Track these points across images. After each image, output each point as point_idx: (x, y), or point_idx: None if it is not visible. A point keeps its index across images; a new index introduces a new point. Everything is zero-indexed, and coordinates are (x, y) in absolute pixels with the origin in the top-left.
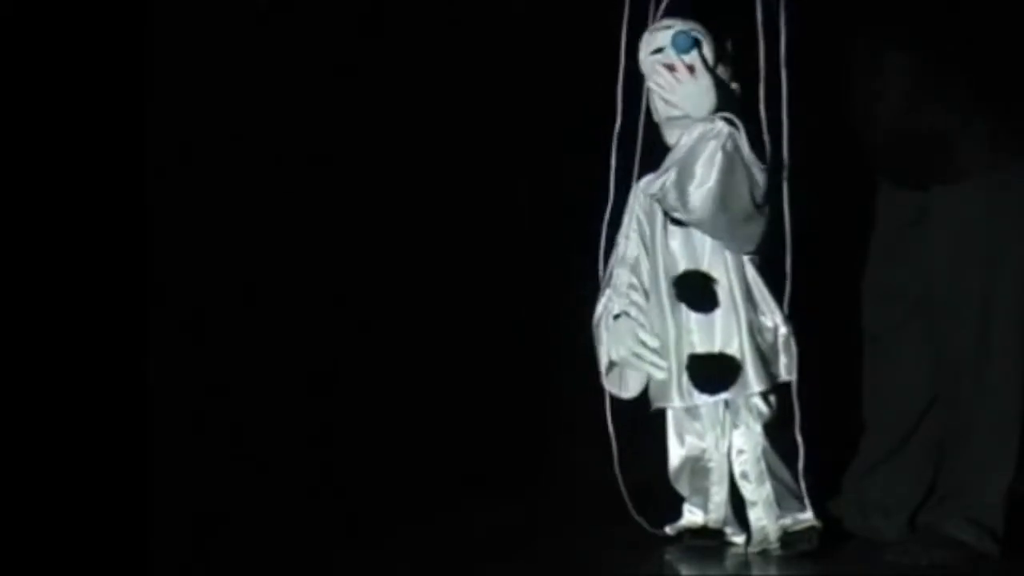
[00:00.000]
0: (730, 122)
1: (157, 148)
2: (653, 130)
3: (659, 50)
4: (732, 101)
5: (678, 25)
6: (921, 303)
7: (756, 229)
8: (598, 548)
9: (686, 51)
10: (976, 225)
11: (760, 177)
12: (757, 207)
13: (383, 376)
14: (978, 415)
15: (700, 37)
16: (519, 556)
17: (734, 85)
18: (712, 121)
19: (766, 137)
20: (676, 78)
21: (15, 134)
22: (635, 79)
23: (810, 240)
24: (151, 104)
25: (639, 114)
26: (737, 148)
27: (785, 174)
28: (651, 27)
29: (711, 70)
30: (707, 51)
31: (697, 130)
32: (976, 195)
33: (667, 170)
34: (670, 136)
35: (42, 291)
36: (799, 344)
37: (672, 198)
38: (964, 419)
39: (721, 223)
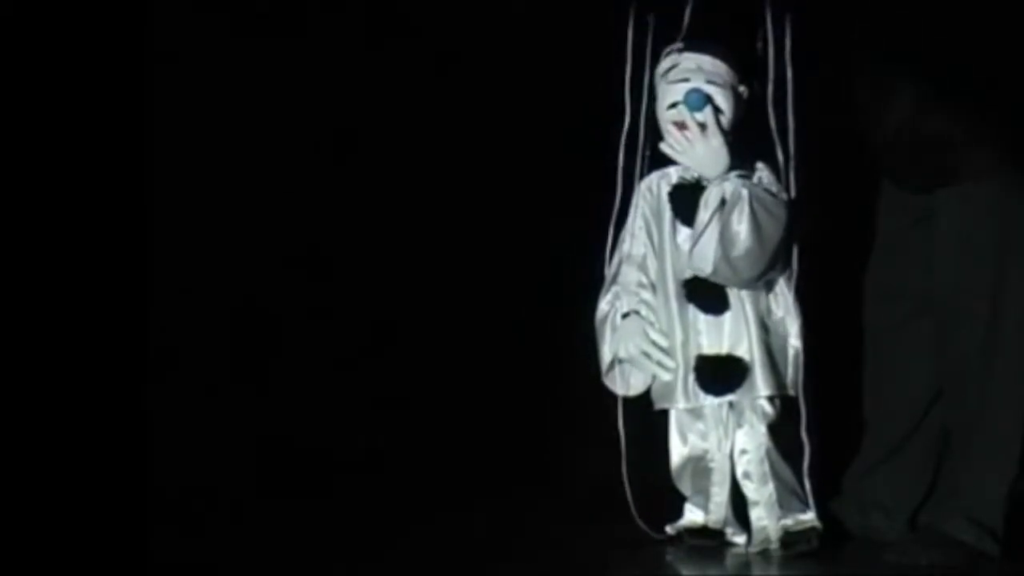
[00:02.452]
0: (744, 176)
1: (158, 148)
2: (657, 129)
3: (674, 105)
4: (745, 157)
5: (693, 79)
6: (924, 302)
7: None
8: (598, 548)
9: (698, 109)
10: (982, 224)
11: (785, 216)
12: (786, 248)
13: (384, 376)
14: (980, 415)
15: (713, 92)
16: (519, 556)
17: (742, 88)
18: (726, 179)
19: (775, 138)
20: (687, 137)
21: (15, 135)
22: (640, 77)
23: (812, 239)
24: (152, 104)
25: (644, 112)
26: (761, 201)
27: (792, 174)
28: (669, 76)
29: (723, 128)
30: (723, 102)
31: (714, 193)
32: (983, 195)
33: (699, 238)
34: None
35: (43, 291)
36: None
37: (724, 272)
38: (966, 418)
39: (762, 273)
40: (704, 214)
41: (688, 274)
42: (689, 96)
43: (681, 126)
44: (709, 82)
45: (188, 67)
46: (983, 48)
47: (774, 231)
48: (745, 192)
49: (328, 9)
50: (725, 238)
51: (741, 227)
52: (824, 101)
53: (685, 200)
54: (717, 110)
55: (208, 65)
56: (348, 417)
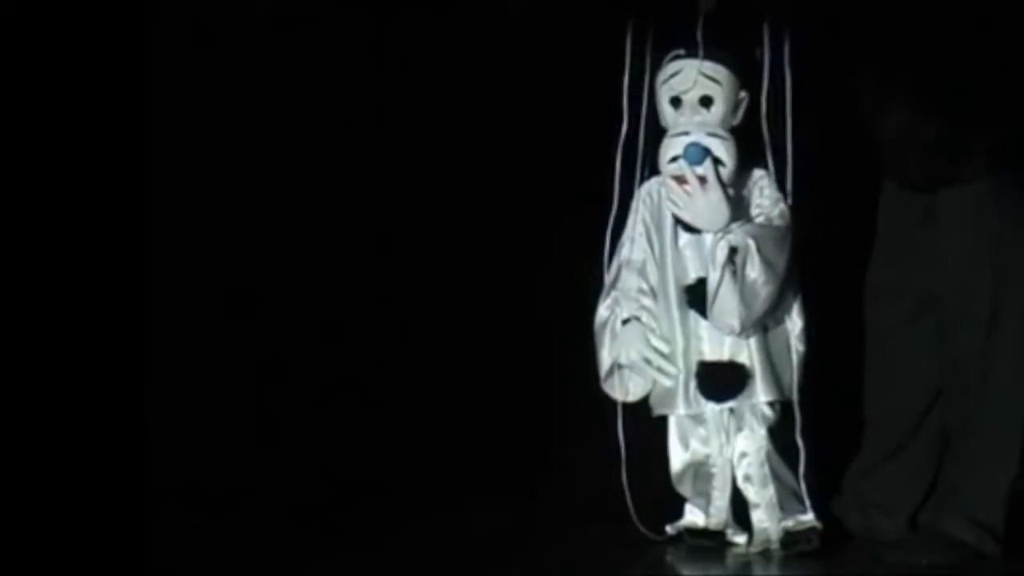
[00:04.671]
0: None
1: (158, 146)
2: (657, 134)
3: (674, 159)
4: (743, 208)
5: (694, 132)
6: (926, 302)
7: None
8: (598, 548)
9: (698, 162)
10: (985, 224)
11: (791, 239)
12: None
13: (384, 376)
14: (980, 415)
15: (713, 145)
16: (519, 556)
17: (742, 94)
18: (729, 231)
19: (768, 147)
20: (687, 191)
21: (16, 137)
22: (640, 82)
23: (814, 240)
24: (154, 105)
25: (643, 117)
26: (767, 241)
27: (789, 182)
28: (672, 130)
29: (723, 181)
30: (724, 153)
31: (720, 247)
32: (985, 195)
33: (715, 299)
34: None
35: (45, 290)
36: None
37: (750, 324)
38: (966, 418)
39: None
40: (714, 274)
41: (690, 280)
42: (688, 150)
43: (681, 180)
44: (710, 134)
45: (188, 68)
46: (984, 49)
47: (785, 259)
48: (751, 243)
49: (334, 7)
50: (746, 291)
51: (754, 273)
52: (826, 103)
53: None
54: (717, 162)
55: (208, 63)
56: (349, 417)
